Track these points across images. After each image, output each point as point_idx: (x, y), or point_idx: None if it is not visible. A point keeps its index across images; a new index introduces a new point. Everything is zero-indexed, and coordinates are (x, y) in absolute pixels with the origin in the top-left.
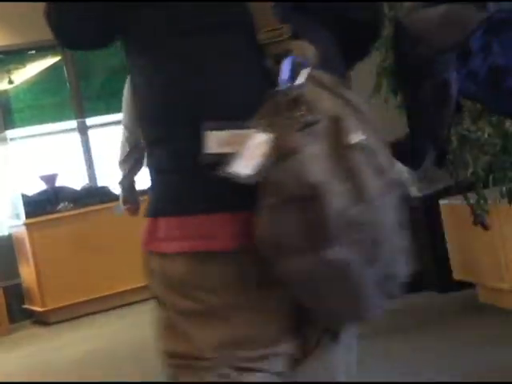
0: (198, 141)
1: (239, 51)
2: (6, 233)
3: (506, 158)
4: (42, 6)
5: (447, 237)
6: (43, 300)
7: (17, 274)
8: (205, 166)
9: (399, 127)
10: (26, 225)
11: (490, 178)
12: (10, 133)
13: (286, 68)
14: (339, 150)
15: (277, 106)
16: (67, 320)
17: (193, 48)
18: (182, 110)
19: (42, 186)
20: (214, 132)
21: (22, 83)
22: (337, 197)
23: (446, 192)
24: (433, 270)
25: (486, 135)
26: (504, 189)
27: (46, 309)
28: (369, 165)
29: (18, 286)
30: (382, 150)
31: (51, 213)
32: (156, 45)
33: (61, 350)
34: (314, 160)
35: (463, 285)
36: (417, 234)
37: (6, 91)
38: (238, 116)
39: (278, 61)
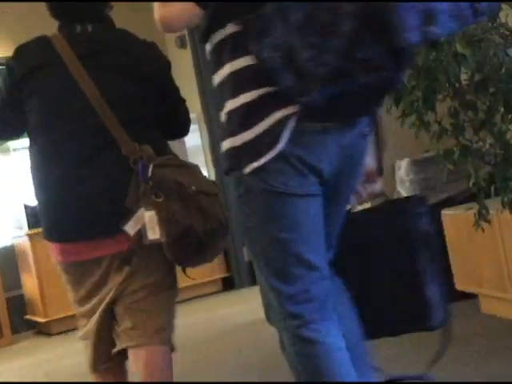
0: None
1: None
2: (8, 243)
3: (508, 168)
4: (41, 18)
5: (449, 247)
6: (45, 311)
7: (19, 285)
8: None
9: (401, 135)
10: (29, 235)
11: (492, 188)
12: (12, 143)
13: (140, 169)
14: (191, 199)
15: (144, 192)
16: (69, 331)
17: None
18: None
19: None
20: (127, 224)
21: None
22: (198, 225)
23: (448, 202)
24: None
25: (487, 145)
26: (506, 199)
27: (48, 319)
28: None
29: (20, 297)
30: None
31: None
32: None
33: (63, 360)
34: (181, 213)
35: (465, 295)
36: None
37: None
38: (117, 198)
39: (136, 163)
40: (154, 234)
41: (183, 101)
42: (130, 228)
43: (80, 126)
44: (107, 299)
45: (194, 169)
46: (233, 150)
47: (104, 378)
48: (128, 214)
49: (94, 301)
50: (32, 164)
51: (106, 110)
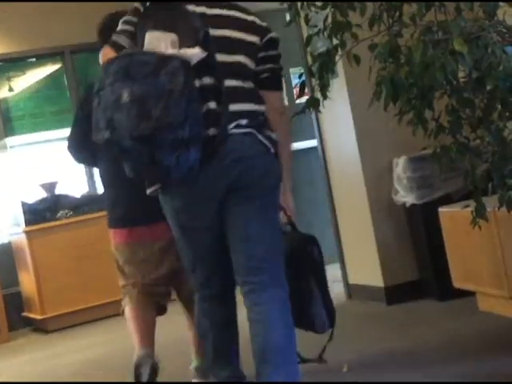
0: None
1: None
2: (5, 240)
3: (505, 166)
4: (41, 13)
5: (446, 244)
6: (42, 308)
7: (16, 282)
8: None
9: (398, 133)
10: (26, 232)
11: (489, 185)
12: (9, 140)
13: None
14: None
15: None
16: (66, 328)
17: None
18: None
19: (42, 194)
20: None
21: (22, 91)
22: None
23: (446, 200)
24: (432, 277)
25: (484, 143)
26: (503, 196)
27: (45, 316)
28: None
29: (18, 294)
30: None
31: (51, 220)
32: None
33: (60, 357)
34: None
35: (463, 293)
36: (416, 241)
37: (5, 99)
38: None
39: None
40: None
41: None
42: None
43: None
44: (166, 273)
45: None
46: None
47: (142, 315)
48: None
49: (158, 272)
50: (103, 172)
51: None
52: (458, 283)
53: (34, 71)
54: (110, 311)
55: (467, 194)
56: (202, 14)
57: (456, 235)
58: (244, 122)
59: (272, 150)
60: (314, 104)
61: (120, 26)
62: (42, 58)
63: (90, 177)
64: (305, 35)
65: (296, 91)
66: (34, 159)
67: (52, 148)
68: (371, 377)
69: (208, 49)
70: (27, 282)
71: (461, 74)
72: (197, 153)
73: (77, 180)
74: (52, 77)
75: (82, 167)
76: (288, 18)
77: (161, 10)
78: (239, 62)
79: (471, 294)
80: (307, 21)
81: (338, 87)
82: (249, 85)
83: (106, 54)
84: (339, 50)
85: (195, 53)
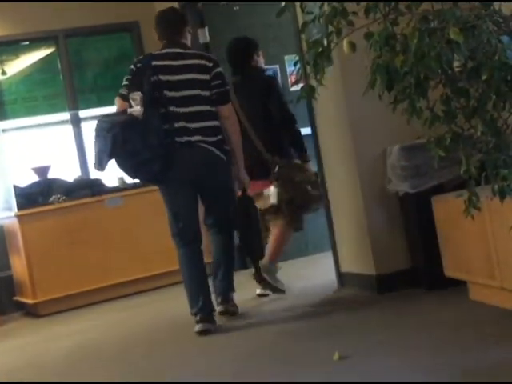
0: None
1: None
2: None
3: (499, 156)
4: None
5: (439, 234)
6: (34, 292)
7: (8, 266)
8: None
9: (392, 121)
10: (18, 216)
11: (483, 175)
12: (2, 124)
13: (276, 169)
14: (296, 184)
15: (273, 179)
16: (58, 312)
17: None
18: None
19: (35, 178)
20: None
21: (15, 74)
22: (297, 197)
23: (439, 189)
24: (424, 266)
25: (478, 133)
26: (496, 187)
27: (37, 301)
28: None
29: (9, 278)
30: None
31: (43, 205)
32: None
33: (51, 342)
34: (288, 191)
35: (454, 282)
36: (408, 230)
37: None
38: None
39: (273, 165)
40: (272, 200)
41: None
42: (268, 191)
43: None
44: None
45: (302, 166)
46: None
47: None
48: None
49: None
50: None
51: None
52: (449, 272)
53: (27, 55)
54: (102, 296)
55: (460, 183)
56: (170, 66)
57: (448, 225)
58: (209, 138)
59: (225, 159)
60: (309, 92)
61: (124, 82)
62: (36, 41)
63: (83, 161)
64: (300, 22)
65: (291, 79)
66: (27, 143)
67: (45, 132)
68: (362, 365)
69: (160, 99)
70: (19, 266)
71: (456, 64)
72: (158, 165)
73: (69, 164)
74: (45, 61)
75: (74, 150)
76: (283, 4)
77: (137, 75)
78: (198, 94)
79: (463, 283)
80: (303, 7)
81: (333, 75)
82: (207, 108)
83: (117, 101)
84: (335, 37)
85: (138, 110)
